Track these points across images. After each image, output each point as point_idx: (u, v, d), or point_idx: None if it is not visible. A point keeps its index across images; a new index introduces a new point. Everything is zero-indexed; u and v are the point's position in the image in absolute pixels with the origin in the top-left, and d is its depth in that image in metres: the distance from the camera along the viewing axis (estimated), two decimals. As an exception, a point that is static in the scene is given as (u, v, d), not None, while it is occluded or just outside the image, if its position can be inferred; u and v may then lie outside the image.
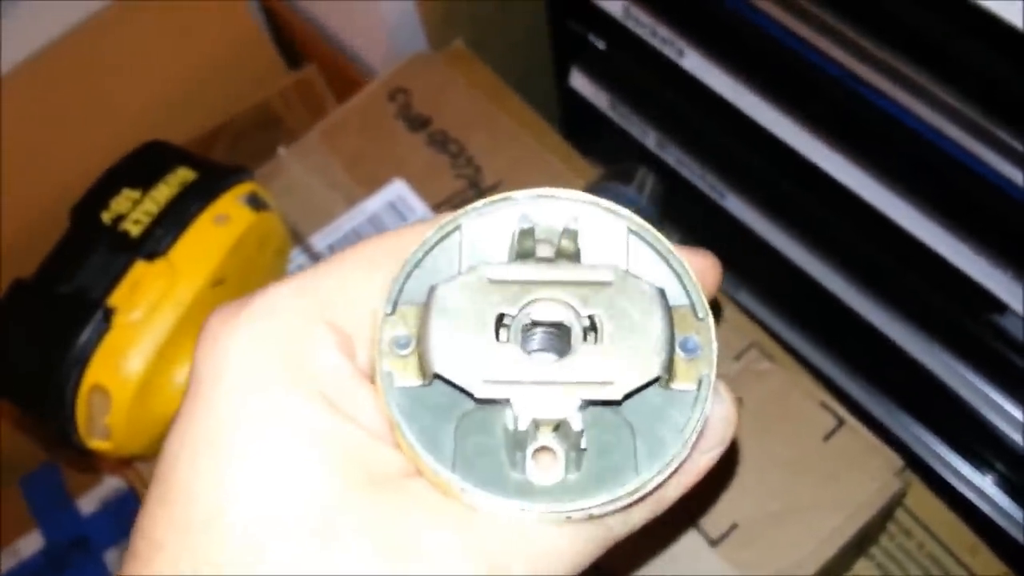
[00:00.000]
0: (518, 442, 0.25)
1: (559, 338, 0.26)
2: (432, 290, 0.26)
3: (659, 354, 0.25)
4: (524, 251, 0.27)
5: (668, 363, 0.25)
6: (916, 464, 0.61)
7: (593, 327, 0.26)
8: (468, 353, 0.25)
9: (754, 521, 0.49)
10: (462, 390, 0.25)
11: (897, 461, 0.50)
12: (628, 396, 0.25)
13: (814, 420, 0.52)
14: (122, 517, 0.87)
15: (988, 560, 0.53)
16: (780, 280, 0.67)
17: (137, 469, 0.58)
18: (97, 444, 0.53)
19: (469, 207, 0.27)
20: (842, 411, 0.52)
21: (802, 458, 0.51)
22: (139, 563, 0.24)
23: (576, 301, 0.26)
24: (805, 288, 0.64)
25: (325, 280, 0.26)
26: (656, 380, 0.25)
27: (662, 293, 0.26)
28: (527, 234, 0.27)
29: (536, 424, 0.24)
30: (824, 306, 0.64)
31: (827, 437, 0.51)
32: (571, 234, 0.27)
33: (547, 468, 0.25)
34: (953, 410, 0.59)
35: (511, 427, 0.25)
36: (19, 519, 0.87)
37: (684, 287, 0.27)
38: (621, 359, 0.25)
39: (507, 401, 0.25)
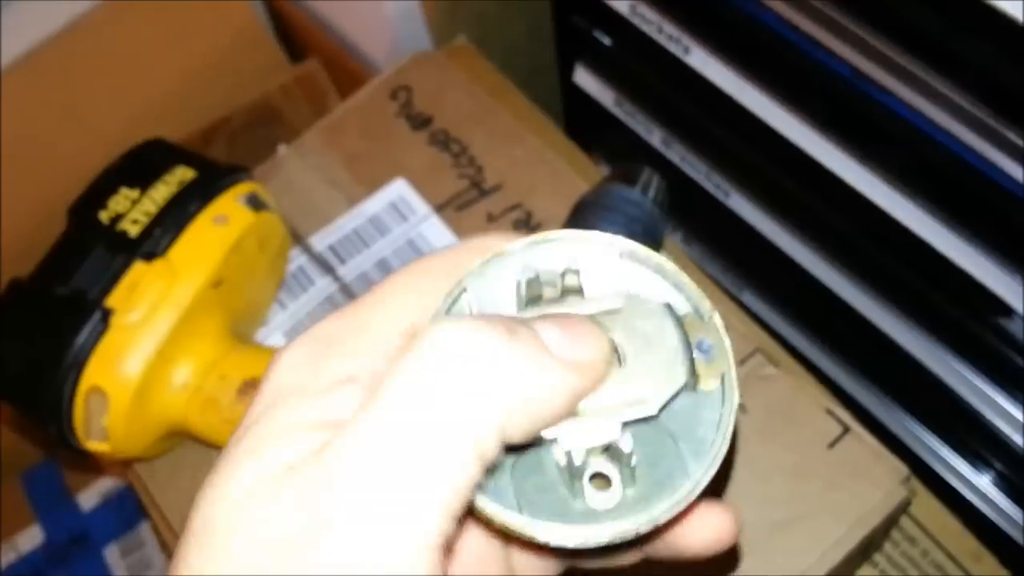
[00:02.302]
0: (573, 474, 0.26)
1: None
2: None
3: (681, 363, 0.27)
4: (533, 296, 0.28)
5: (691, 369, 0.27)
6: (922, 469, 0.61)
7: (615, 352, 0.27)
8: None
9: (757, 529, 0.49)
10: None
11: (902, 469, 0.50)
12: (662, 408, 0.27)
13: (819, 427, 0.51)
14: (122, 513, 0.86)
15: (992, 567, 0.53)
16: (784, 280, 0.66)
17: (136, 471, 0.57)
18: (95, 446, 0.53)
19: (468, 270, 0.28)
20: (847, 418, 0.51)
21: (806, 465, 0.50)
22: None
23: None
24: (810, 289, 0.64)
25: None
26: (684, 387, 0.27)
27: (669, 307, 0.28)
28: (533, 282, 0.28)
29: (587, 452, 0.26)
30: (829, 308, 0.63)
31: (832, 444, 0.51)
32: (573, 272, 0.28)
33: (605, 491, 0.26)
34: (960, 414, 0.59)
35: (563, 462, 0.26)
36: (19, 514, 0.87)
37: (684, 295, 0.29)
38: (648, 375, 0.27)
39: (554, 440, 0.26)
